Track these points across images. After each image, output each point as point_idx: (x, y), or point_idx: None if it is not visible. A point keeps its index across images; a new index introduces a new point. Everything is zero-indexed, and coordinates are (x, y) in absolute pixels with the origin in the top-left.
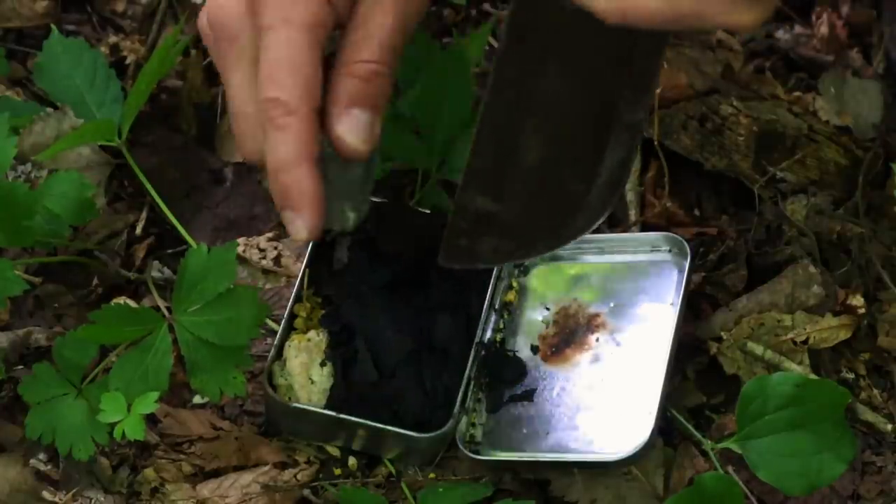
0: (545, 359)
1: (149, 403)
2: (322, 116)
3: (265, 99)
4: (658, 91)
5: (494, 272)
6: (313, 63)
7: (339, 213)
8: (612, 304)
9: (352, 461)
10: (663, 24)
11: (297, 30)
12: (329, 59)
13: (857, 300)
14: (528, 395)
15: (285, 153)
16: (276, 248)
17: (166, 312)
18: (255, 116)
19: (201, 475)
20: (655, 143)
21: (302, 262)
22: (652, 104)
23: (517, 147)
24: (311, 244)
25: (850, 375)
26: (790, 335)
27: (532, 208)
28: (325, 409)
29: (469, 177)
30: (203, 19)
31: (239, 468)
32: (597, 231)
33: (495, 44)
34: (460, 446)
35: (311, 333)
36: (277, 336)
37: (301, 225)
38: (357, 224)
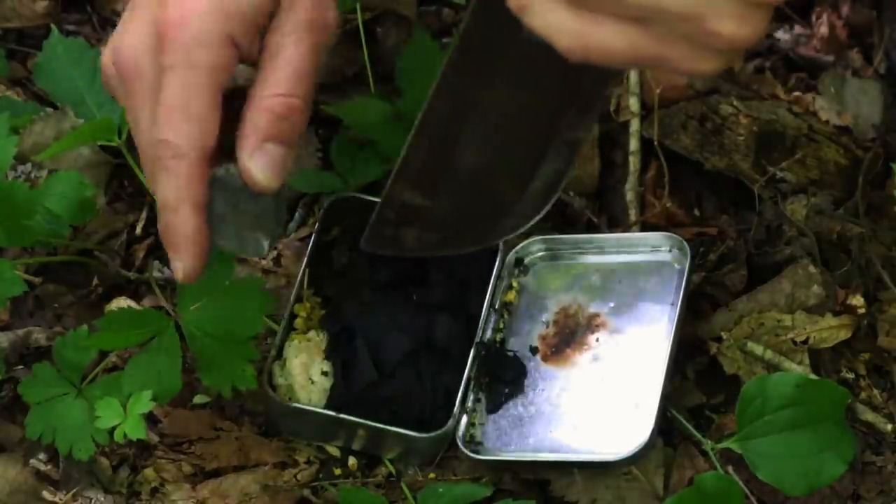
0: (545, 359)
1: (145, 402)
2: (230, 150)
3: (157, 140)
4: (658, 91)
5: (494, 272)
6: (209, 106)
7: (251, 241)
8: (612, 304)
9: (352, 461)
10: (624, 65)
11: (197, 73)
12: (241, 93)
13: (857, 300)
14: (529, 396)
15: (169, 194)
16: (275, 248)
17: (171, 311)
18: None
19: (201, 475)
20: (655, 143)
21: (302, 262)
22: (652, 104)
23: (453, 149)
24: (311, 244)
25: (850, 375)
26: (790, 335)
27: (461, 208)
28: (325, 409)
29: (401, 170)
30: (107, 56)
31: (239, 468)
32: (597, 231)
33: None
34: (460, 446)
35: (311, 333)
36: (277, 336)
37: (178, 266)
38: (270, 249)
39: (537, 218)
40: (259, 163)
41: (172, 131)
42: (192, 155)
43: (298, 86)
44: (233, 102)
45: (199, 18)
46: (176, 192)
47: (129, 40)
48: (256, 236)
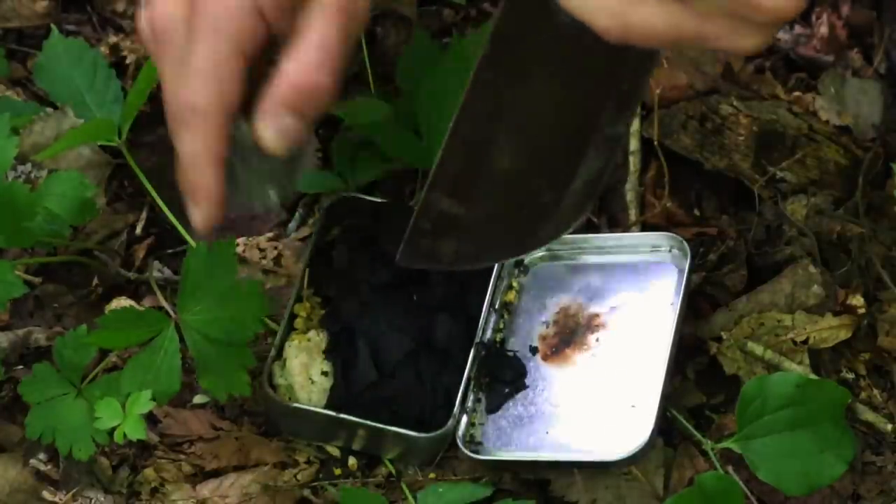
0: (545, 359)
1: (144, 402)
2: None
3: (181, 101)
4: (658, 91)
5: (494, 272)
6: (233, 72)
7: (261, 196)
8: (612, 304)
9: (352, 461)
10: (664, 44)
11: (224, 41)
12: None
13: (857, 300)
14: (529, 396)
15: (190, 149)
16: (276, 248)
17: (171, 312)
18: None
19: (201, 475)
20: (655, 143)
21: (302, 262)
22: (652, 104)
23: (489, 152)
24: (311, 244)
25: (850, 375)
26: (790, 335)
27: (499, 214)
28: (325, 409)
29: (436, 178)
30: (143, 20)
31: (239, 468)
32: (597, 231)
33: None
34: (460, 446)
35: (311, 333)
36: (277, 336)
37: (197, 217)
38: (280, 203)
39: (578, 222)
40: (272, 129)
41: (197, 93)
42: (213, 115)
43: (325, 64)
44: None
45: None
46: (199, 147)
47: (163, 7)
48: (266, 191)
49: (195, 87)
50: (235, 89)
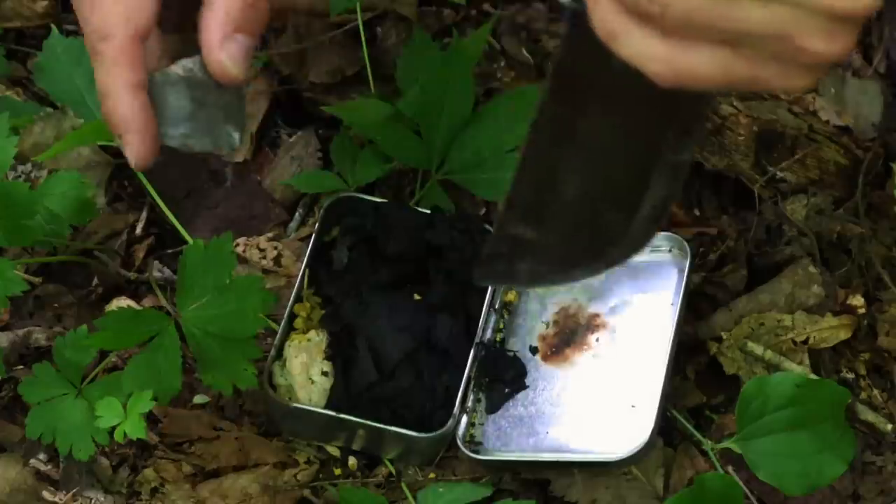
0: (545, 359)
1: (145, 402)
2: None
3: (89, 29)
4: None
5: None
6: None
7: (223, 135)
8: (612, 304)
9: (352, 461)
10: (715, 87)
11: None
12: None
13: (857, 300)
14: (528, 395)
15: (103, 80)
16: (276, 248)
17: (171, 311)
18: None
19: (201, 475)
20: None
21: (302, 262)
22: None
23: (557, 181)
24: (311, 244)
25: (850, 375)
26: (790, 335)
27: (571, 238)
28: (325, 409)
29: (509, 204)
30: None
31: (239, 468)
32: None
33: (495, 44)
34: (460, 446)
35: (311, 333)
36: (277, 336)
37: (130, 150)
38: (239, 142)
39: (646, 245)
40: (230, 52)
41: (103, 16)
42: (119, 37)
43: None
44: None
45: None
46: (107, 75)
47: None
48: (227, 129)
49: (102, 7)
50: (146, 7)
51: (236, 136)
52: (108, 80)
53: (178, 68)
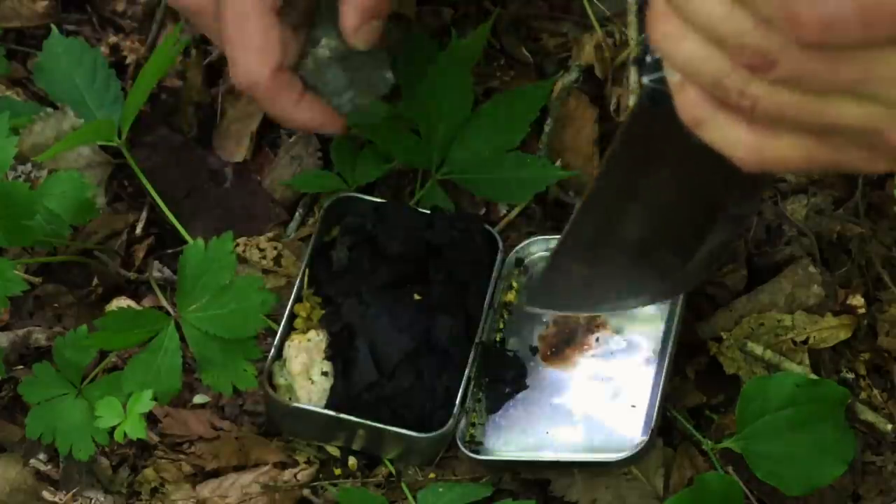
0: (545, 359)
1: (145, 402)
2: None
3: (235, 75)
4: None
5: (494, 272)
6: (266, 32)
7: (380, 82)
8: None
9: (352, 461)
10: (799, 171)
11: (248, 3)
12: None
13: (857, 300)
14: (528, 395)
15: (273, 113)
16: (276, 248)
17: (171, 311)
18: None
19: (201, 475)
20: None
21: (302, 262)
22: None
23: (617, 229)
24: (311, 244)
25: (850, 375)
26: (790, 335)
27: (624, 277)
28: (325, 409)
29: (566, 244)
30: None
31: (239, 468)
32: None
33: (495, 42)
34: (460, 446)
35: (311, 333)
36: (277, 336)
37: (335, 133)
38: (393, 79)
39: (699, 282)
40: (364, 37)
41: (241, 68)
42: (263, 80)
43: None
44: None
45: None
46: (275, 108)
47: None
48: (380, 75)
49: (237, 60)
50: (275, 47)
51: (390, 75)
52: (278, 110)
53: (325, 50)
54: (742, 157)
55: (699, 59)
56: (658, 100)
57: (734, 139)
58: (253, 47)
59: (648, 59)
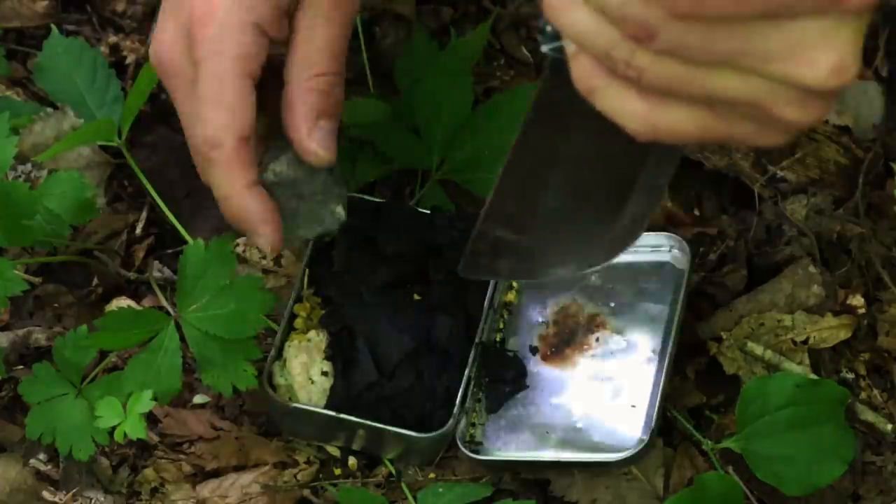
0: (545, 359)
1: (145, 402)
2: (276, 134)
3: (198, 137)
4: None
5: None
6: (241, 94)
7: (328, 216)
8: (612, 304)
9: (352, 461)
10: (692, 142)
11: (225, 63)
12: (274, 80)
13: (857, 300)
14: (528, 395)
15: (222, 184)
16: (281, 253)
17: (171, 311)
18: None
19: (201, 475)
20: None
21: (302, 262)
22: None
23: (538, 195)
24: (310, 244)
25: (850, 375)
26: (790, 335)
27: (549, 244)
28: (325, 409)
29: (490, 211)
30: (151, 58)
31: (239, 468)
32: None
33: (494, 42)
34: (460, 446)
35: (311, 333)
36: (277, 336)
37: (262, 242)
38: (345, 217)
39: (623, 251)
40: (317, 139)
41: (208, 124)
42: (228, 143)
43: (336, 63)
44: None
45: (224, 11)
46: (227, 179)
47: (163, 40)
48: (331, 209)
49: (206, 117)
50: (247, 112)
51: (340, 211)
52: (228, 184)
53: (270, 174)
54: (634, 128)
55: (588, 29)
56: (559, 68)
57: (626, 109)
58: (225, 105)
59: (549, 28)
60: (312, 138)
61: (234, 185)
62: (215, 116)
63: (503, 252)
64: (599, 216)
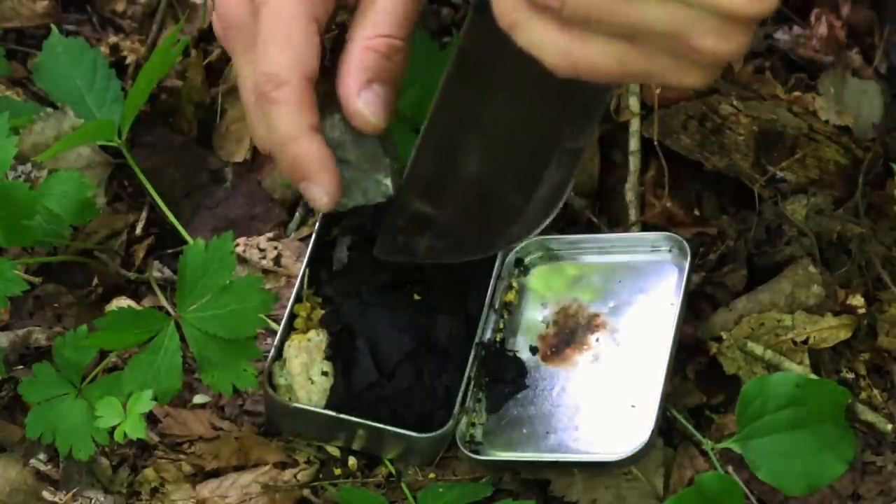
0: (545, 359)
1: (145, 402)
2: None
3: (259, 76)
4: (658, 91)
5: (494, 272)
6: (305, 33)
7: (373, 186)
8: (612, 304)
9: (352, 461)
10: (611, 80)
11: (293, 3)
12: (341, 35)
13: (857, 300)
14: (528, 395)
15: (284, 125)
16: (276, 248)
17: (171, 311)
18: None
19: (201, 475)
20: (655, 143)
21: (302, 262)
22: (652, 104)
23: (457, 160)
24: (311, 244)
25: (850, 375)
26: (790, 335)
27: (468, 216)
28: (325, 409)
29: (408, 181)
30: (215, 22)
31: (239, 468)
32: (597, 231)
33: None
34: (460, 446)
35: (311, 333)
36: (277, 336)
37: (320, 192)
38: (393, 189)
39: (543, 225)
40: (367, 102)
41: (270, 63)
42: (294, 80)
43: (401, 28)
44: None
45: None
46: (291, 118)
47: (228, 4)
48: (376, 179)
49: (271, 55)
50: (313, 53)
51: (388, 183)
52: (290, 125)
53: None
54: (554, 62)
55: None
56: (482, 8)
57: (547, 42)
58: (292, 43)
59: None
60: (362, 99)
61: (297, 126)
62: (280, 54)
63: (421, 228)
64: (518, 183)
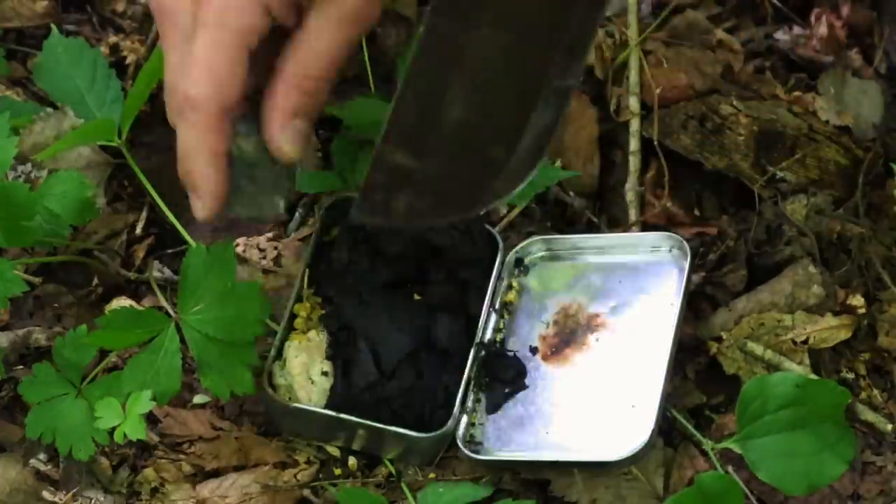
0: (545, 359)
1: (144, 403)
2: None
3: (180, 93)
4: (658, 91)
5: (494, 272)
6: (233, 65)
7: (268, 203)
8: (612, 304)
9: (352, 461)
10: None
11: (228, 34)
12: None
13: (857, 300)
14: (528, 395)
15: (189, 142)
16: (276, 248)
17: (171, 311)
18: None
19: (201, 475)
20: (655, 143)
21: (302, 262)
22: (652, 104)
23: (441, 104)
24: (311, 244)
25: (850, 375)
26: (790, 335)
27: (451, 168)
28: (325, 409)
29: (390, 131)
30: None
31: (239, 468)
32: (597, 231)
33: None
34: (460, 446)
35: (311, 333)
36: (277, 336)
37: (199, 206)
38: (283, 210)
39: (528, 179)
40: (288, 136)
41: (195, 86)
42: (210, 109)
43: (332, 70)
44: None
45: None
46: (197, 141)
47: None
48: (272, 198)
49: (194, 78)
50: (235, 85)
51: (281, 204)
52: (196, 146)
53: (234, 148)
54: None
55: None
56: None
57: None
58: (215, 74)
59: None
60: (284, 133)
61: (200, 148)
62: (203, 81)
63: (401, 184)
64: (502, 130)
